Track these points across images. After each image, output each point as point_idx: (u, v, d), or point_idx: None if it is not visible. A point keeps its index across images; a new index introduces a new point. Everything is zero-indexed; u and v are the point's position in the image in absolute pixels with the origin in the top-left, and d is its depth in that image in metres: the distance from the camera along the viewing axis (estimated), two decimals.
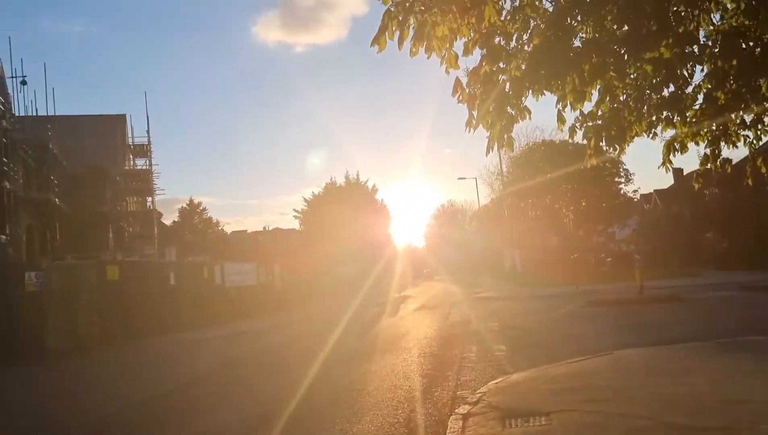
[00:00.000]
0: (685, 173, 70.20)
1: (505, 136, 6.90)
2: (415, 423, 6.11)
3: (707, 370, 6.72)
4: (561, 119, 6.84)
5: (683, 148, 7.61)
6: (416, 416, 6.37)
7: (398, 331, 14.72)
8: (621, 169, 47.20)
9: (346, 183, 64.04)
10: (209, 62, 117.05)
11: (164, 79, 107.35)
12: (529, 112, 6.74)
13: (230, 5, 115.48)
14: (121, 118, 42.73)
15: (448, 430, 5.54)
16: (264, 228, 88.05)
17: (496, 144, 7.07)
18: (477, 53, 6.40)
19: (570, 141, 49.29)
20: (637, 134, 7.13)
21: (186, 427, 7.02)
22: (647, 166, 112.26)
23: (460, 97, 6.71)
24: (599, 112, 6.60)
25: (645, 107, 6.22)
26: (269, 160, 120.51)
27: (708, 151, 7.58)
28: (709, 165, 7.75)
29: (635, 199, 55.88)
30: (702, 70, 6.91)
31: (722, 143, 7.69)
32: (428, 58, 6.40)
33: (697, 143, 7.64)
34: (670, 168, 7.79)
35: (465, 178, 57.61)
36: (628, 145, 6.73)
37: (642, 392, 5.94)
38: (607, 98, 6.07)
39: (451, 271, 67.79)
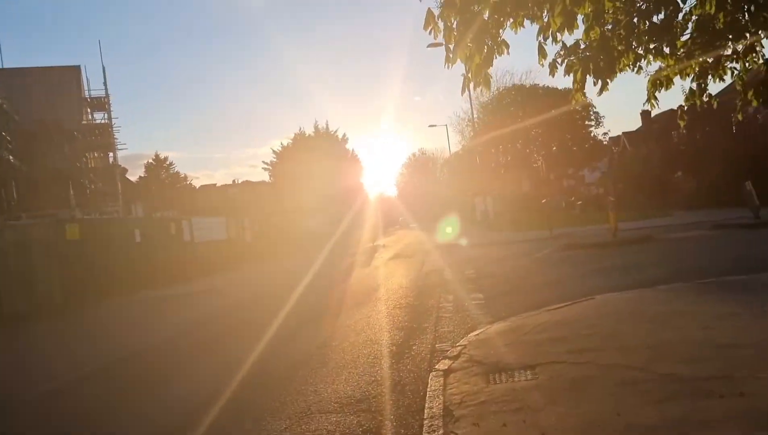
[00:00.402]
0: (653, 115, 70.71)
1: (483, 72, 6.40)
2: (394, 381, 5.74)
3: (695, 313, 6.46)
4: (542, 53, 6.29)
5: (668, 84, 7.17)
6: (394, 373, 6.00)
7: (372, 282, 14.37)
8: (591, 112, 47.05)
9: (315, 133, 62.83)
10: (168, 10, 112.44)
11: (122, 30, 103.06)
12: (507, 47, 6.20)
13: None
14: (74, 70, 40.70)
15: (428, 389, 5.18)
16: (233, 181, 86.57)
17: (472, 82, 6.57)
18: None
19: (540, 84, 49.02)
20: (623, 67, 6.66)
21: (149, 394, 6.58)
22: (616, 109, 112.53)
23: (433, 32, 6.14)
24: (583, 46, 6.08)
25: (634, 35, 5.71)
26: (236, 112, 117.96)
27: (694, 85, 7.18)
28: (695, 100, 7.38)
29: (604, 143, 56.00)
30: None
31: (709, 77, 7.30)
32: None
33: (683, 78, 7.22)
34: (656, 105, 7.38)
35: (435, 126, 57.54)
36: (614, 79, 6.27)
37: (631, 340, 5.63)
38: (596, 25, 5.53)
39: (423, 219, 67.76)
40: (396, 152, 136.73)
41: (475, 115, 48.61)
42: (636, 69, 6.99)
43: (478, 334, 6.92)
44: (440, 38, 6.04)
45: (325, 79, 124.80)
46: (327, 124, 62.94)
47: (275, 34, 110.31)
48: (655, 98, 7.28)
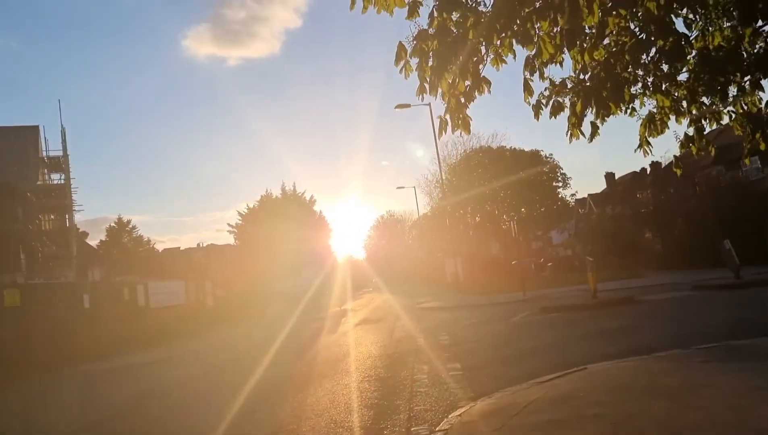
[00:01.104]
0: (616, 178, 72.13)
1: (461, 115, 5.66)
2: None
3: (713, 386, 5.56)
4: (528, 89, 5.59)
5: (663, 127, 6.52)
6: None
7: (339, 351, 13.19)
8: (559, 174, 47.35)
9: (282, 195, 62.03)
10: (136, 75, 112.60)
11: (84, 90, 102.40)
12: (489, 84, 5.51)
13: (158, 19, 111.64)
14: (33, 130, 39.46)
15: None
16: (198, 244, 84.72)
17: (449, 125, 5.82)
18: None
19: (507, 147, 49.44)
20: (615, 111, 5.99)
21: None
22: (581, 171, 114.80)
23: (405, 70, 5.42)
24: (582, 76, 5.39)
25: (641, 62, 5.01)
26: (205, 177, 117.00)
27: (690, 131, 6.55)
28: (691, 146, 6.74)
29: (571, 205, 56.37)
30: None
31: (705, 121, 6.69)
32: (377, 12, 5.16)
33: (679, 121, 6.59)
34: (650, 151, 6.71)
35: (404, 187, 57.00)
36: (621, 111, 5.57)
37: (649, 423, 4.68)
38: (606, 40, 4.84)
39: (392, 282, 66.65)
40: (364, 215, 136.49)
41: (443, 177, 48.45)
42: (629, 111, 6.35)
43: (460, 416, 5.87)
44: (411, 77, 5.33)
45: (294, 145, 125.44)
46: (294, 186, 62.34)
47: (243, 102, 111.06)
48: (648, 143, 6.61)
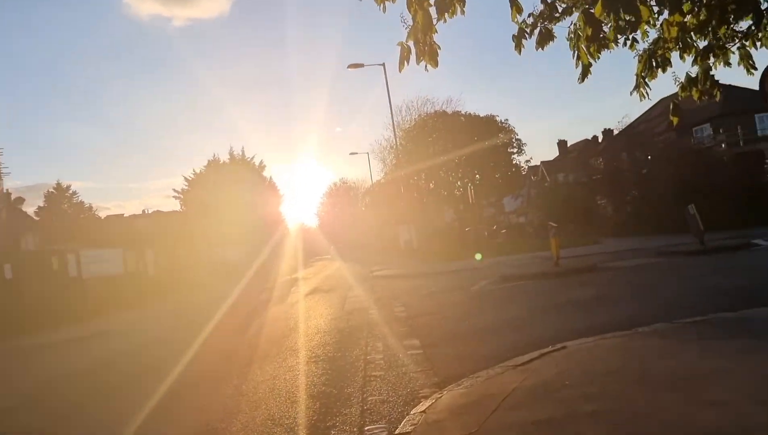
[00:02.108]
0: (569, 145, 72.41)
1: (428, 41, 4.51)
2: None
3: (721, 371, 4.66)
4: (516, 5, 4.50)
5: (665, 65, 5.50)
6: None
7: (285, 325, 12.03)
8: (514, 140, 46.74)
9: (230, 159, 59.74)
10: (73, 34, 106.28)
11: (20, 52, 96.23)
12: (463, 3, 4.37)
13: None
14: None
15: None
16: (143, 211, 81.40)
17: (413, 53, 4.69)
18: None
19: (462, 112, 48.43)
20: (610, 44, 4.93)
21: None
22: (534, 138, 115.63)
23: None
24: None
25: None
26: (152, 142, 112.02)
27: (698, 69, 5.55)
28: (694, 91, 5.75)
29: (523, 171, 56.07)
30: None
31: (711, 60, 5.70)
32: None
33: (682, 57, 5.58)
34: (646, 94, 5.69)
35: (357, 153, 55.72)
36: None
37: (661, 427, 3.72)
38: None
39: (346, 249, 65.67)
40: (317, 182, 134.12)
41: (397, 143, 47.16)
42: (630, 43, 5.30)
43: (425, 412, 4.82)
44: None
45: (245, 109, 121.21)
46: (243, 151, 60.08)
47: (190, 64, 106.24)
48: (646, 84, 5.60)
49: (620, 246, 23.10)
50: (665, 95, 51.58)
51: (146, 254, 31.96)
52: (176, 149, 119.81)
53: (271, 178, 63.87)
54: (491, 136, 45.17)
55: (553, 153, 74.50)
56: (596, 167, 43.39)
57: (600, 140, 61.70)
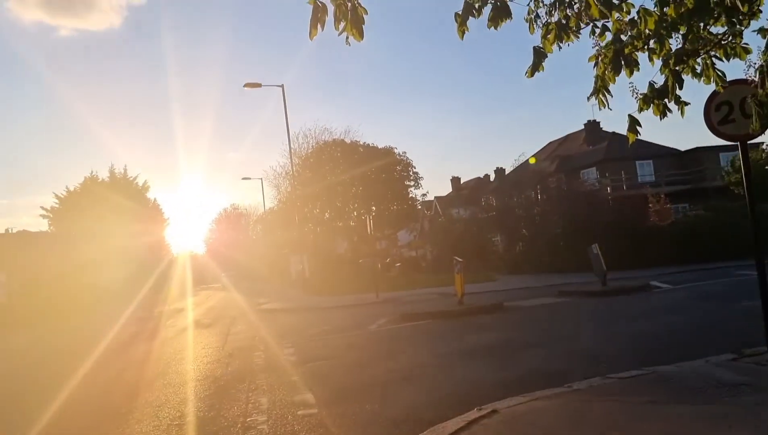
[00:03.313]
0: (462, 182, 74.02)
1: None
2: None
3: None
4: None
5: (631, 66, 4.55)
6: None
7: (150, 369, 10.06)
8: (411, 172, 46.56)
9: (110, 178, 55.24)
10: None
11: None
12: None
13: None
14: None
15: None
16: (6, 230, 73.60)
17: (330, 16, 3.38)
18: None
19: (360, 142, 47.78)
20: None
21: None
22: (428, 174, 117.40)
23: None
24: None
25: None
26: (26, 157, 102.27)
27: (668, 74, 4.63)
28: (657, 103, 4.85)
29: (418, 206, 56.20)
30: None
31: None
32: None
33: (651, 59, 4.65)
34: (605, 102, 4.71)
35: (250, 179, 53.15)
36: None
37: None
38: None
39: (235, 278, 62.44)
40: (207, 208, 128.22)
41: (293, 169, 45.52)
42: (597, 32, 4.28)
43: None
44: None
45: (131, 129, 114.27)
46: (125, 169, 55.84)
47: (74, 77, 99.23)
48: (606, 90, 4.63)
49: (517, 283, 22.83)
50: (552, 139, 54.15)
51: None
52: (53, 166, 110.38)
53: (155, 200, 59.82)
54: (389, 167, 44.73)
55: (446, 189, 75.74)
56: (489, 205, 44.06)
57: (492, 178, 63.44)
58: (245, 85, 30.77)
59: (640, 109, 4.91)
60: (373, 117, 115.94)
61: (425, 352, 9.05)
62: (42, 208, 54.79)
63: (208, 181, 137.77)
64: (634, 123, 4.93)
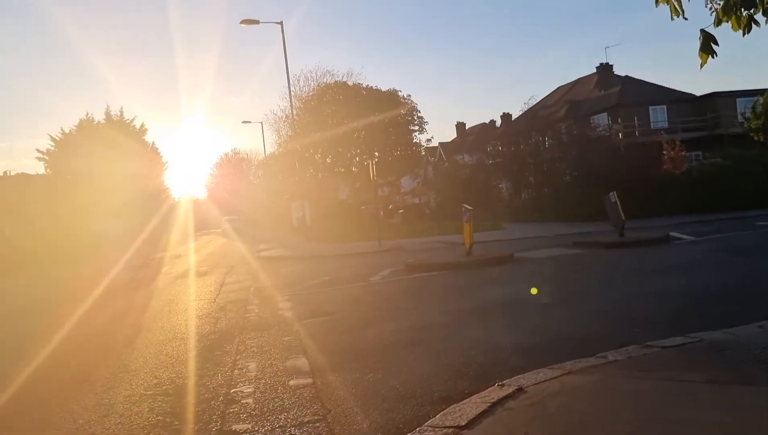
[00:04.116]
0: (467, 128, 72.39)
1: None
2: None
3: None
4: None
5: None
6: None
7: (133, 323, 9.28)
8: (416, 117, 45.08)
9: (107, 120, 53.84)
10: None
11: None
12: None
13: None
14: None
15: None
16: (5, 173, 72.70)
17: None
18: None
19: (363, 85, 46.09)
20: None
21: None
22: (433, 119, 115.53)
23: None
24: None
25: None
26: (24, 96, 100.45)
27: None
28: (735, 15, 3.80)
29: (422, 153, 54.84)
30: None
31: None
32: None
33: None
34: (679, 8, 3.67)
35: (250, 123, 51.96)
36: None
37: None
38: None
39: (236, 223, 61.83)
40: (208, 151, 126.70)
41: (293, 112, 44.08)
42: None
43: None
44: None
45: (131, 70, 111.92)
46: (122, 111, 54.36)
47: (70, 13, 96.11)
48: None
49: (526, 232, 21.99)
50: (562, 83, 52.29)
51: None
52: (52, 107, 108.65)
53: (153, 143, 58.53)
54: (393, 111, 43.25)
55: (450, 135, 74.29)
56: (495, 151, 42.82)
57: (498, 124, 61.82)
58: (242, 22, 29.20)
59: (718, 23, 3.88)
60: (377, 60, 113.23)
61: (433, 310, 8.22)
62: (37, 150, 53.65)
63: (209, 125, 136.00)
64: (708, 40, 3.88)
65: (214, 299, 11.18)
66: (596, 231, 19.66)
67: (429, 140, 48.63)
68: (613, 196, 14.42)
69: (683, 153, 29.39)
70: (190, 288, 13.58)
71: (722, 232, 15.92)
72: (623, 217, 14.16)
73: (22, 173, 65.84)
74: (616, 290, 8.68)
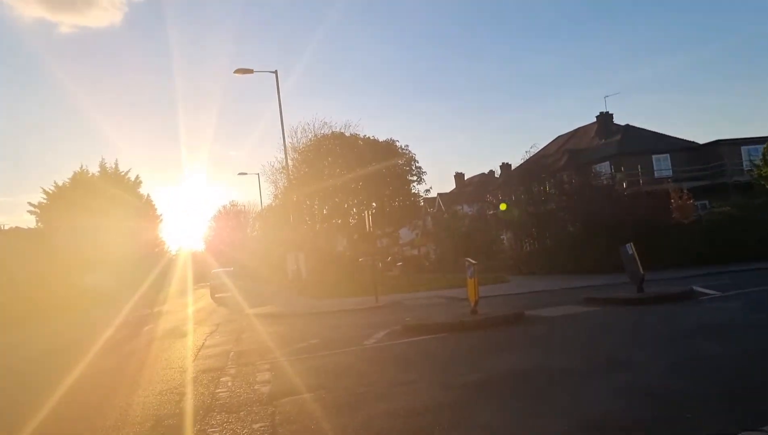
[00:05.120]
0: (466, 178, 71.86)
1: None
2: None
3: None
4: None
5: None
6: None
7: (82, 401, 7.93)
8: (414, 167, 44.35)
9: (101, 172, 53.13)
10: None
11: None
12: None
13: None
14: None
15: None
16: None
17: None
18: None
19: (361, 135, 45.54)
20: None
21: None
22: (431, 169, 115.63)
23: None
24: None
25: None
26: (25, 153, 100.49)
27: None
28: None
29: (421, 204, 53.91)
30: None
31: None
32: None
33: None
34: None
35: (246, 174, 51.24)
36: None
37: None
38: None
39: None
40: (207, 205, 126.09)
41: (289, 164, 43.26)
42: None
43: None
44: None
45: (126, 124, 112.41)
46: (116, 164, 53.70)
47: (74, 73, 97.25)
48: None
49: (532, 286, 20.71)
50: (561, 133, 51.81)
51: None
52: (51, 162, 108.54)
53: (148, 195, 57.68)
54: (390, 161, 42.51)
55: (449, 185, 73.65)
56: (495, 201, 41.85)
57: (497, 174, 61.15)
58: (236, 71, 28.64)
59: None
60: (374, 110, 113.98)
61: (435, 384, 6.91)
62: (29, 203, 52.75)
63: (207, 178, 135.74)
64: None
65: (187, 368, 9.84)
66: (606, 284, 18.45)
67: (428, 191, 47.79)
68: (630, 248, 13.23)
69: (690, 201, 28.37)
70: (166, 353, 12.22)
71: (748, 286, 14.64)
72: (641, 271, 12.92)
73: (16, 227, 64.77)
74: (649, 358, 7.38)
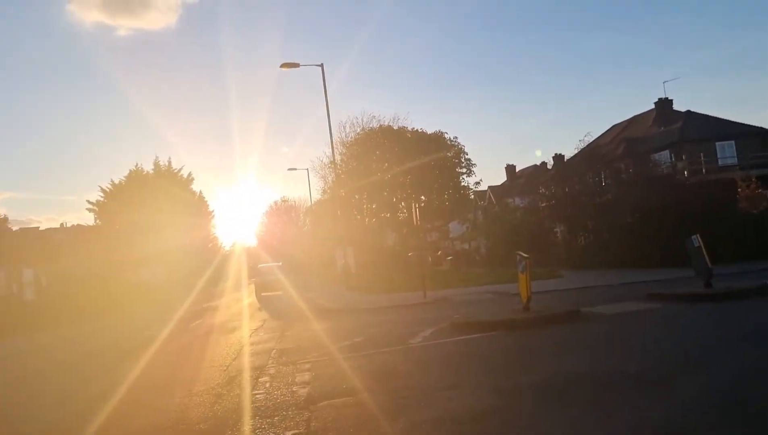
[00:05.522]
0: (517, 170, 70.27)
1: None
2: None
3: None
4: None
5: None
6: None
7: (116, 402, 7.73)
8: (463, 159, 43.46)
9: (155, 170, 54.41)
10: (10, 37, 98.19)
11: None
12: None
13: None
14: None
15: None
16: (61, 224, 74.54)
17: None
18: None
19: (409, 128, 44.99)
20: None
21: None
22: (481, 162, 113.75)
23: None
24: None
25: None
26: (89, 153, 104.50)
27: None
28: None
29: (471, 197, 52.84)
30: None
31: None
32: None
33: None
34: None
35: (296, 169, 51.32)
36: None
37: None
38: None
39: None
40: (259, 200, 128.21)
41: (338, 159, 43.07)
42: None
43: None
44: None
45: (185, 126, 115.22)
46: (170, 161, 54.88)
47: (131, 75, 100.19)
48: None
49: (588, 280, 19.77)
50: (616, 121, 49.90)
51: (23, 275, 26.60)
52: (109, 162, 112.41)
53: (200, 192, 58.80)
54: (439, 153, 41.76)
55: (500, 178, 72.18)
56: (548, 193, 40.60)
57: (550, 166, 59.50)
58: (282, 66, 28.57)
59: None
60: (422, 102, 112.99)
61: (484, 388, 6.36)
62: (88, 201, 54.43)
63: (258, 175, 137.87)
64: None
65: (228, 366, 9.58)
66: (667, 278, 17.40)
67: (478, 183, 46.77)
68: (697, 240, 12.27)
69: (759, 190, 26.66)
70: (208, 350, 12.03)
71: None
72: (710, 265, 11.96)
73: (78, 225, 67.15)
74: (728, 362, 6.61)
